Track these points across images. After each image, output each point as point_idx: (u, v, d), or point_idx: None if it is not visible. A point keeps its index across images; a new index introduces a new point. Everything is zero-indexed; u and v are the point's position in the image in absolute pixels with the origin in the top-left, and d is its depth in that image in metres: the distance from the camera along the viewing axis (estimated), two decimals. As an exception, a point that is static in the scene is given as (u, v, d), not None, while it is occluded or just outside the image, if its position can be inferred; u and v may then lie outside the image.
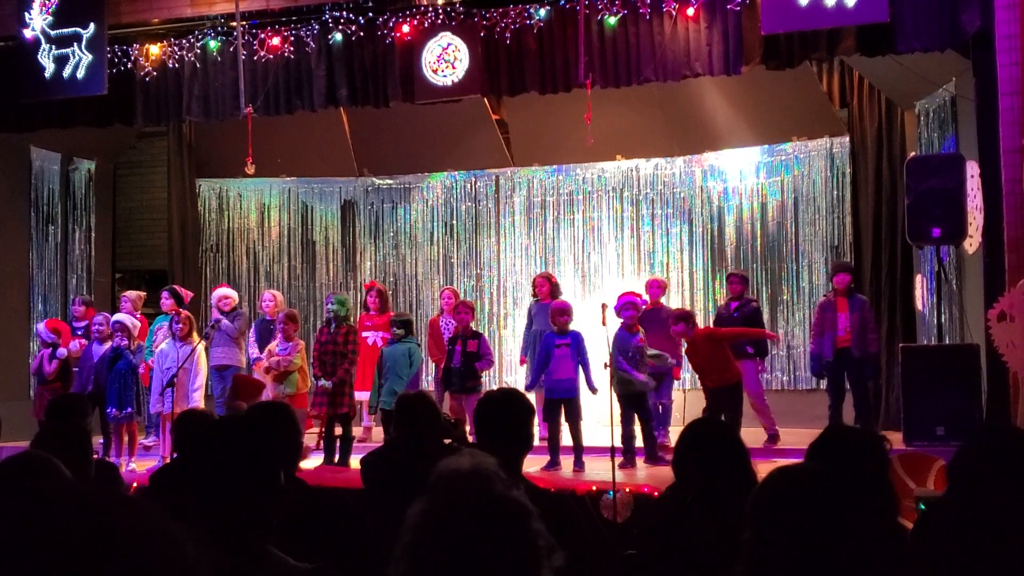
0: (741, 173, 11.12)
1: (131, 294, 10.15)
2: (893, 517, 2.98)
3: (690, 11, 8.44)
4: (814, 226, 10.79)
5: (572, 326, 8.32)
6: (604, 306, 7.84)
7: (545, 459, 7.94)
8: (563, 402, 8.04)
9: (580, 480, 7.40)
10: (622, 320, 8.06)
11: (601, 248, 11.69)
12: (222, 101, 9.65)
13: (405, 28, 9.18)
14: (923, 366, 7.76)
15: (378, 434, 9.28)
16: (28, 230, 11.13)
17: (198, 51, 9.71)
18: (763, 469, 3.27)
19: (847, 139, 10.55)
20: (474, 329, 8.96)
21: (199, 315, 11.05)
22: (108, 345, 8.85)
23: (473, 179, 12.20)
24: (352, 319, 9.29)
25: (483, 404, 3.57)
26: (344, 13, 9.31)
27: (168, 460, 7.89)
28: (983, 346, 7.51)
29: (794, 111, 10.65)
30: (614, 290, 9.46)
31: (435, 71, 9.08)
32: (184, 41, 9.73)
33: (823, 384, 9.92)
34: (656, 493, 6.45)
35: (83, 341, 9.24)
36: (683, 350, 9.06)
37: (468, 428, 6.11)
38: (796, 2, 7.88)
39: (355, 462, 7.46)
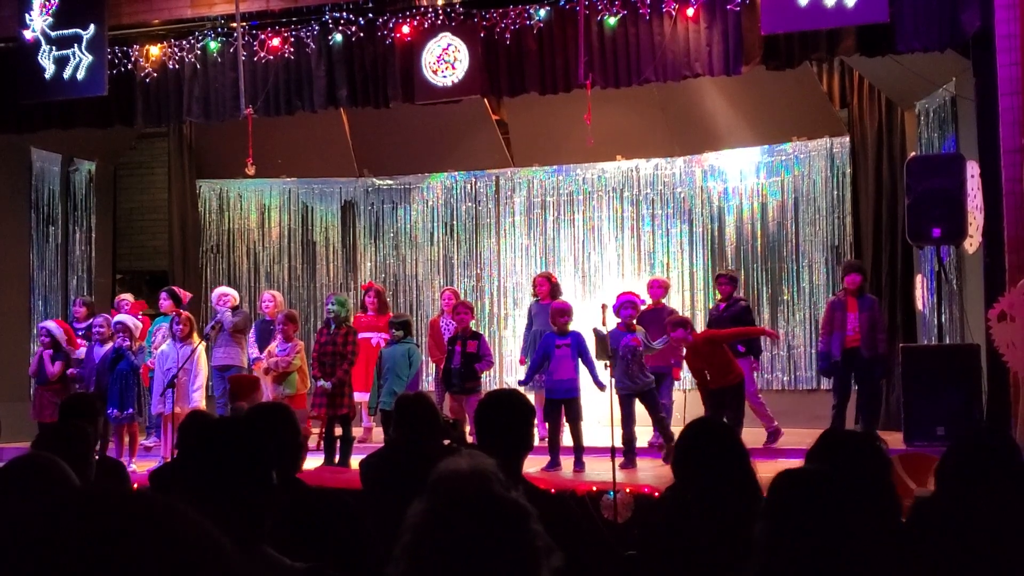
0: (741, 173, 11.12)
1: (128, 297, 10.18)
2: (897, 518, 2.98)
3: (690, 11, 8.44)
4: (814, 226, 10.79)
5: (572, 326, 8.32)
6: (604, 306, 7.85)
7: (545, 459, 7.95)
8: (563, 402, 8.04)
9: (580, 480, 7.39)
10: (620, 319, 8.06)
11: (601, 248, 11.69)
12: (222, 102, 9.65)
13: (405, 29, 9.18)
14: (923, 366, 7.76)
15: (378, 435, 9.28)
16: (28, 231, 11.13)
17: (198, 52, 9.71)
18: (763, 469, 3.28)
19: (847, 139, 10.55)
20: (474, 330, 8.96)
21: (199, 316, 11.04)
22: (109, 346, 8.86)
23: (473, 179, 12.21)
24: (352, 320, 9.29)
25: (483, 405, 3.57)
26: (344, 14, 9.31)
27: (169, 460, 7.89)
28: (983, 346, 7.51)
29: (794, 111, 10.65)
30: (614, 290, 9.45)
31: (435, 72, 9.08)
32: (184, 42, 9.73)
33: (824, 384, 9.93)
34: (656, 493, 6.45)
35: (83, 342, 9.25)
36: (682, 354, 9.08)
37: (468, 429, 6.11)
38: (796, 2, 7.88)
39: (355, 462, 7.46)
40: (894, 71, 8.79)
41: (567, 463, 7.95)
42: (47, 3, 9.63)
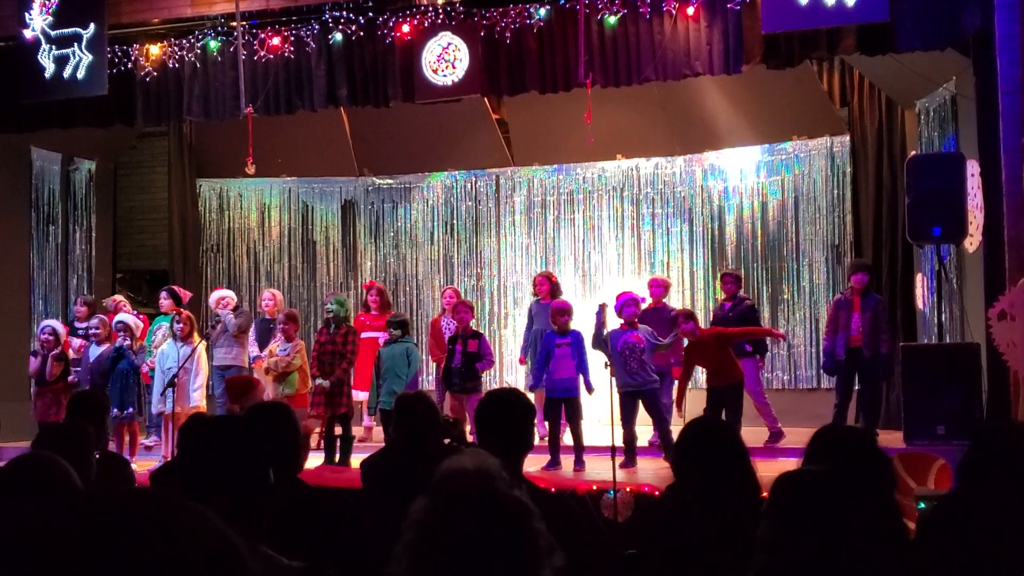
0: (741, 172, 11.12)
1: (118, 298, 10.22)
2: (899, 517, 2.99)
3: (690, 10, 8.44)
4: (814, 225, 10.79)
5: (572, 326, 8.32)
6: (604, 306, 7.84)
7: (546, 458, 7.95)
8: (564, 401, 8.04)
9: (581, 479, 7.40)
10: (624, 317, 8.06)
11: (601, 247, 11.69)
12: (222, 101, 9.65)
13: (405, 28, 9.17)
14: (923, 365, 7.75)
15: (378, 434, 9.29)
16: (28, 230, 11.13)
17: (198, 51, 9.70)
18: (763, 468, 3.28)
19: (847, 138, 10.55)
20: (474, 329, 8.97)
21: (199, 315, 11.04)
22: (105, 347, 8.86)
23: (473, 179, 12.20)
24: (352, 319, 9.30)
25: (484, 404, 3.57)
26: (344, 13, 9.31)
27: (169, 460, 7.89)
28: (984, 345, 7.51)
29: (794, 110, 10.65)
30: (614, 290, 9.46)
31: (435, 71, 9.08)
32: (184, 41, 9.73)
33: (825, 383, 9.93)
34: (657, 493, 6.45)
35: (83, 342, 9.25)
36: (683, 345, 9.08)
37: (468, 428, 6.11)
38: (796, 1, 7.88)
39: (355, 462, 7.46)
40: (894, 70, 8.79)
41: (567, 462, 7.95)
42: (47, 2, 9.62)
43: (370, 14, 9.28)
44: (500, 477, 1.69)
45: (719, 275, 9.78)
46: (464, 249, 12.19)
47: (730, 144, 11.13)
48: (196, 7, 9.63)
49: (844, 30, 8.03)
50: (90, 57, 9.48)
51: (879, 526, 2.18)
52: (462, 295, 10.35)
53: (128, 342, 8.79)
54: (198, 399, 8.71)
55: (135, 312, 9.93)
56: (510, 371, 11.51)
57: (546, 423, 8.20)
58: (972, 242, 8.13)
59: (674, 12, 8.49)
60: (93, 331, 8.93)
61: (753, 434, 8.42)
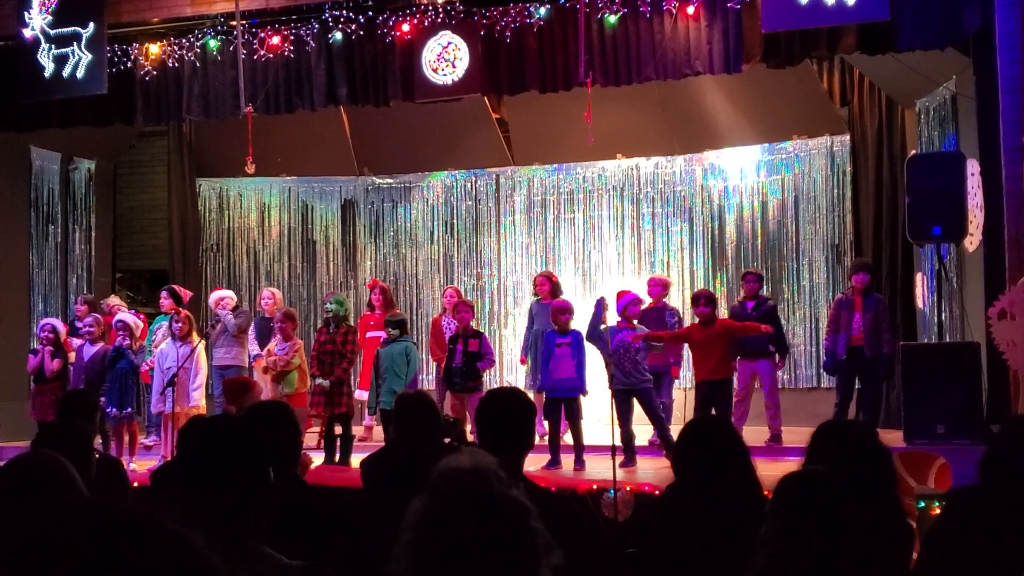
0: (741, 171, 11.12)
1: (114, 300, 10.23)
2: (901, 515, 2.99)
3: (690, 9, 8.44)
4: (814, 224, 10.79)
5: (573, 325, 8.32)
6: (604, 301, 7.83)
7: (546, 458, 7.94)
8: (564, 401, 8.04)
9: (581, 479, 7.39)
10: (626, 316, 8.05)
11: (601, 247, 11.69)
12: (222, 100, 9.65)
13: (405, 27, 9.17)
14: (924, 364, 7.75)
15: (379, 433, 9.29)
16: (28, 230, 11.13)
17: (198, 50, 9.70)
18: (764, 468, 3.28)
19: (847, 137, 10.54)
20: (475, 328, 8.97)
21: (198, 315, 11.04)
22: (99, 346, 8.86)
23: (473, 178, 12.20)
24: (351, 319, 9.29)
25: (484, 403, 3.57)
26: (344, 12, 9.31)
27: (169, 459, 7.88)
28: (984, 344, 7.51)
29: (794, 109, 10.65)
30: (615, 289, 9.45)
31: (435, 70, 9.08)
32: (184, 40, 9.72)
33: (825, 382, 9.93)
34: (657, 492, 6.45)
35: (77, 341, 9.25)
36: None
37: (469, 427, 6.10)
38: (796, 0, 7.88)
39: (355, 461, 7.46)
40: (894, 69, 8.78)
41: (567, 461, 7.95)
42: (46, 1, 9.62)
43: (370, 13, 9.28)
44: (497, 476, 1.69)
45: (742, 274, 9.65)
46: (464, 249, 12.18)
47: (730, 143, 11.13)
48: (196, 6, 9.62)
49: (844, 29, 8.03)
50: (89, 56, 9.48)
51: (881, 526, 2.18)
52: (462, 295, 10.36)
53: (128, 342, 8.79)
54: (197, 398, 8.71)
55: (134, 312, 9.92)
56: (510, 371, 11.51)
57: (546, 423, 8.20)
58: (972, 241, 8.12)
59: (674, 11, 8.48)
60: (87, 329, 8.93)
61: (753, 434, 8.42)
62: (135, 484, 7.41)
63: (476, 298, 11.62)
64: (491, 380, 10.67)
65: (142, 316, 9.85)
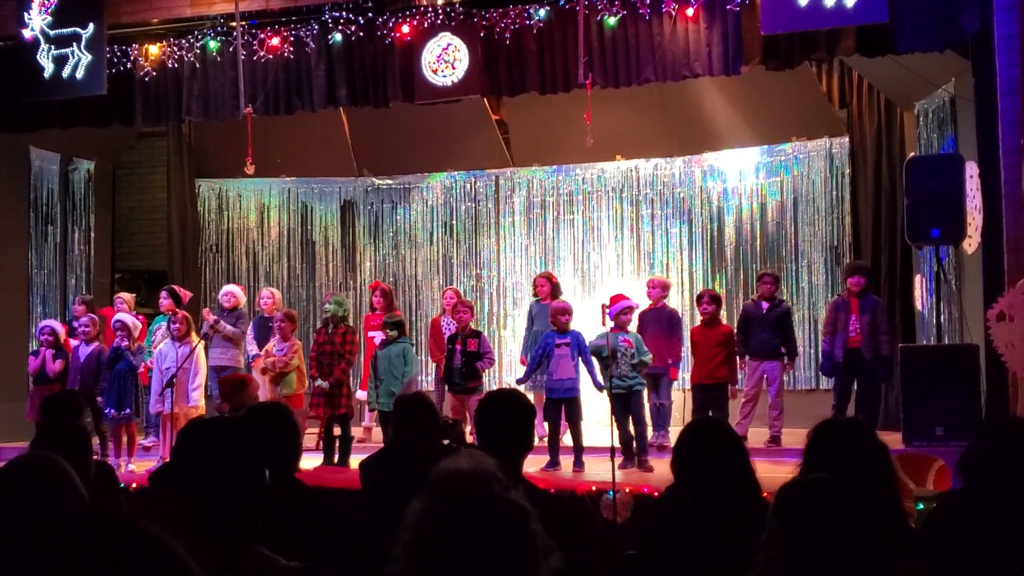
0: (740, 173, 11.13)
1: (125, 296, 10.17)
2: (902, 515, 2.99)
3: (690, 11, 8.44)
4: (813, 226, 10.79)
5: (572, 326, 8.32)
6: (604, 307, 7.84)
7: (545, 459, 7.95)
8: (563, 402, 8.04)
9: (580, 480, 7.40)
10: (619, 323, 8.07)
11: (601, 248, 11.70)
12: (222, 101, 9.65)
13: (405, 28, 9.17)
14: (922, 366, 7.75)
15: (378, 434, 9.28)
16: (27, 230, 11.12)
17: (198, 51, 9.70)
18: (763, 469, 3.28)
19: (846, 139, 10.55)
20: (474, 328, 8.96)
21: (198, 315, 11.03)
22: (94, 345, 8.86)
23: (473, 179, 12.20)
24: (351, 320, 9.29)
25: (484, 404, 3.57)
26: (344, 13, 9.31)
27: (168, 460, 7.88)
28: (982, 346, 7.51)
29: (793, 111, 10.65)
30: (614, 290, 9.45)
31: (435, 71, 9.08)
32: (184, 41, 9.72)
33: (823, 384, 9.93)
34: (656, 493, 6.45)
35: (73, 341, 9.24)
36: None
37: (469, 428, 6.10)
38: (796, 3, 7.88)
39: (355, 462, 7.45)
40: (893, 71, 8.79)
41: (567, 463, 7.95)
42: (46, 2, 9.62)
43: (370, 14, 9.28)
44: (496, 478, 1.69)
45: (759, 275, 9.60)
46: (463, 250, 12.19)
47: (729, 145, 11.14)
48: (195, 7, 9.62)
49: (843, 31, 8.03)
50: (89, 57, 9.48)
51: (882, 528, 2.18)
52: (462, 296, 10.36)
53: (126, 342, 8.78)
54: (197, 399, 8.71)
55: (134, 312, 9.91)
56: (510, 371, 11.50)
57: (546, 423, 8.20)
58: (971, 243, 8.13)
59: (673, 13, 8.49)
60: (83, 329, 8.92)
61: (753, 434, 8.43)
62: (134, 485, 7.43)
63: (475, 299, 11.61)
64: (491, 381, 10.67)
65: (141, 317, 9.85)
